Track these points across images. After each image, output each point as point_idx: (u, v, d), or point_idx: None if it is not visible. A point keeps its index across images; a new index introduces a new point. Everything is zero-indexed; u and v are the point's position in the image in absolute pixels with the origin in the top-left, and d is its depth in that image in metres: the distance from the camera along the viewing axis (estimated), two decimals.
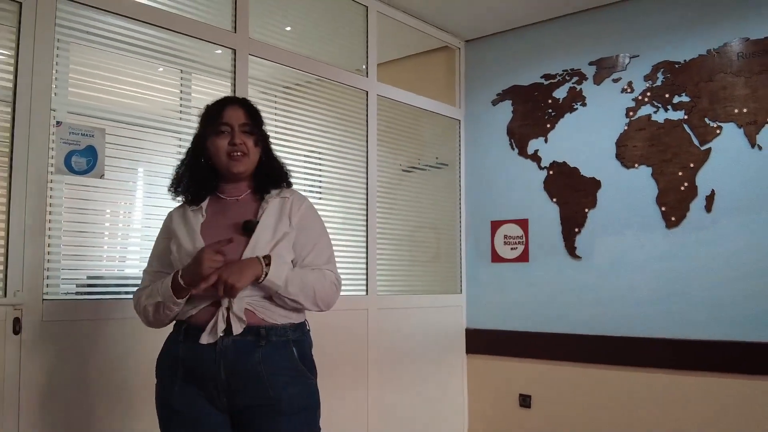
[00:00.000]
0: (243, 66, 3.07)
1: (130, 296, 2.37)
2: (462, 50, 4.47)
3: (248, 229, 1.68)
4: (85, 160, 2.54)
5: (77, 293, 2.59)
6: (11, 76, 2.35)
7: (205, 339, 1.61)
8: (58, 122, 2.46)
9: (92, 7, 2.56)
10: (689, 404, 3.39)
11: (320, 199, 3.53)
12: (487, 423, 4.20)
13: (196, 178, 1.80)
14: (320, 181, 3.56)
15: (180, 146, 2.92)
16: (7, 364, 2.20)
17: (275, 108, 3.41)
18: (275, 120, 3.35)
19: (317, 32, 3.74)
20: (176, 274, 1.64)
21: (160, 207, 2.74)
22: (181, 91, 3.02)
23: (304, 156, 3.45)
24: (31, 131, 2.35)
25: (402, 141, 4.07)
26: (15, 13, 2.34)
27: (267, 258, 1.61)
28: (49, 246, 2.40)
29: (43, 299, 2.31)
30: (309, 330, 1.80)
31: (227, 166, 1.75)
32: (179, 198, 1.85)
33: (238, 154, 1.73)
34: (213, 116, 1.78)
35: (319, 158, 3.54)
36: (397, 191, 4.03)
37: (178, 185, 1.83)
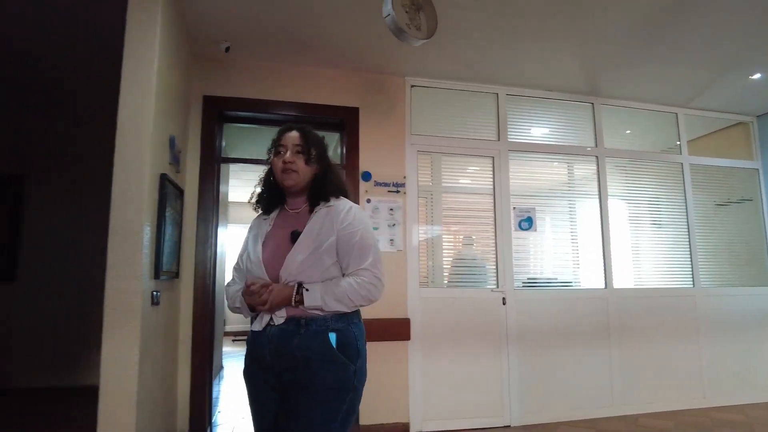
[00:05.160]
0: (602, 161, 4.13)
1: (544, 289, 3.71)
2: (755, 122, 4.69)
3: (294, 238, 1.51)
4: (527, 223, 3.90)
5: (522, 286, 3.80)
6: (491, 182, 3.85)
7: (255, 326, 1.51)
8: (514, 207, 3.89)
9: (521, 151, 3.95)
10: None
11: (659, 228, 4.26)
12: None
13: (266, 193, 1.67)
14: (659, 217, 4.29)
15: (570, 204, 4.08)
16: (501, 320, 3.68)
17: (625, 174, 4.27)
18: (626, 181, 4.25)
19: (645, 131, 4.51)
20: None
21: (561, 238, 4.00)
22: (567, 173, 4.18)
23: (646, 202, 4.27)
24: (503, 211, 3.77)
25: (713, 186, 4.49)
26: (490, 161, 3.97)
27: (300, 288, 1.45)
28: (514, 264, 3.81)
29: (514, 289, 3.82)
30: (358, 323, 1.54)
31: (281, 180, 1.59)
32: (259, 209, 1.71)
33: (288, 171, 1.56)
34: (275, 140, 1.63)
35: (657, 203, 4.31)
36: (713, 219, 4.42)
37: (256, 200, 1.70)
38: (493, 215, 3.85)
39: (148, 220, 2.29)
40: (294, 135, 1.61)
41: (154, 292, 2.38)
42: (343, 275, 1.53)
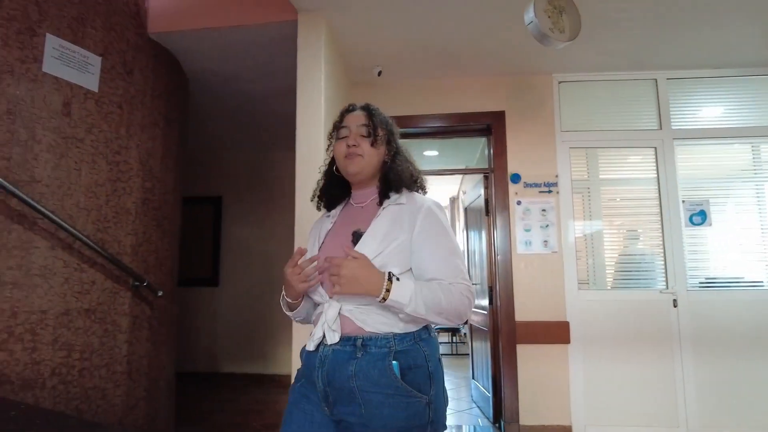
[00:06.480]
0: None
1: (739, 288, 3.36)
2: None
3: (356, 239, 1.25)
4: (700, 218, 3.57)
5: (699, 286, 3.46)
6: (654, 173, 3.59)
7: (309, 345, 1.24)
8: (683, 201, 3.60)
9: (689, 138, 3.59)
10: None
11: None
12: None
13: (327, 186, 1.43)
14: None
15: (757, 190, 3.57)
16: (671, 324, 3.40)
17: None
18: None
19: None
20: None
21: (747, 229, 3.51)
22: (752, 156, 3.68)
23: None
24: (670, 205, 3.52)
25: None
26: (653, 151, 3.61)
27: (390, 277, 1.15)
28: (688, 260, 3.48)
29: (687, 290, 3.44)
30: (428, 338, 1.25)
31: (343, 167, 1.34)
32: (321, 206, 1.47)
33: (352, 155, 1.32)
34: (336, 123, 1.40)
35: None
36: None
37: (319, 196, 1.46)
38: (658, 209, 3.60)
39: None
40: (358, 114, 1.38)
41: None
42: None
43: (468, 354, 4.88)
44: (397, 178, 1.33)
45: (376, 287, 1.13)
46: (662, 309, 3.46)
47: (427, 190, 1.41)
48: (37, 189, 2.29)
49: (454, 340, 7.17)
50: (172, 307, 3.23)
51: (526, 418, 3.40)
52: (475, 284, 4.45)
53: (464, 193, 5.94)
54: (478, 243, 4.26)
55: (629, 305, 3.48)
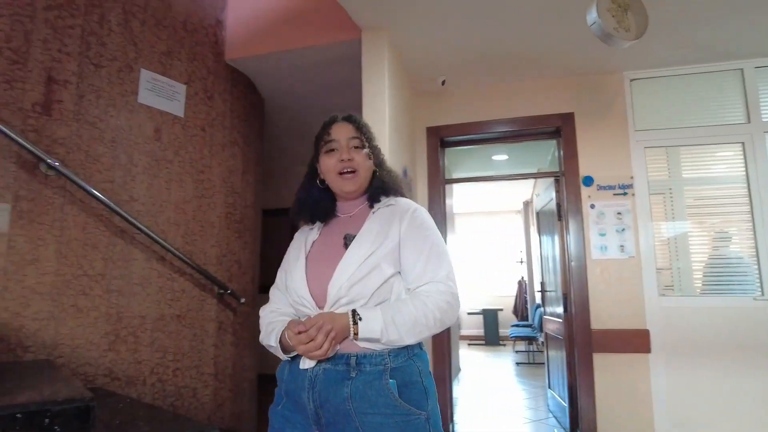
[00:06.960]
0: None
1: None
2: None
3: (348, 241, 1.22)
4: None
5: None
6: (743, 170, 3.34)
7: (303, 364, 1.16)
8: None
9: None
10: None
11: None
12: None
13: (311, 200, 1.36)
14: None
15: None
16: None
17: None
18: None
19: None
20: (283, 334, 1.19)
21: None
22: None
23: None
24: (763, 204, 3.25)
25: None
26: (740, 146, 3.35)
27: (356, 315, 1.11)
28: None
29: None
30: (420, 352, 1.21)
31: (339, 185, 1.30)
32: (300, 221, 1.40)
33: (348, 170, 1.28)
34: (321, 135, 1.34)
35: None
36: None
37: (298, 209, 1.38)
38: (749, 209, 3.35)
39: None
40: (347, 127, 1.33)
41: None
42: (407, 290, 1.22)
43: (544, 363, 4.76)
44: (389, 184, 1.34)
45: (345, 331, 1.11)
46: (758, 317, 3.21)
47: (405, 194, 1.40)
48: (135, 207, 2.57)
49: (531, 349, 7.01)
50: (254, 312, 3.47)
51: (604, 430, 3.28)
52: (550, 291, 4.35)
53: (537, 196, 5.82)
54: (551, 248, 4.17)
55: (717, 312, 3.26)
